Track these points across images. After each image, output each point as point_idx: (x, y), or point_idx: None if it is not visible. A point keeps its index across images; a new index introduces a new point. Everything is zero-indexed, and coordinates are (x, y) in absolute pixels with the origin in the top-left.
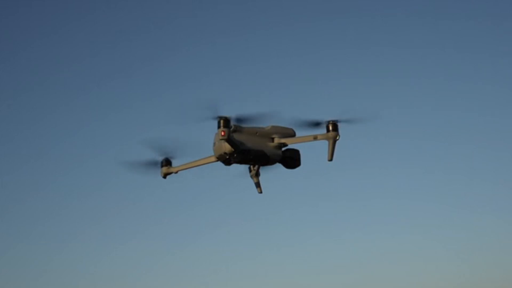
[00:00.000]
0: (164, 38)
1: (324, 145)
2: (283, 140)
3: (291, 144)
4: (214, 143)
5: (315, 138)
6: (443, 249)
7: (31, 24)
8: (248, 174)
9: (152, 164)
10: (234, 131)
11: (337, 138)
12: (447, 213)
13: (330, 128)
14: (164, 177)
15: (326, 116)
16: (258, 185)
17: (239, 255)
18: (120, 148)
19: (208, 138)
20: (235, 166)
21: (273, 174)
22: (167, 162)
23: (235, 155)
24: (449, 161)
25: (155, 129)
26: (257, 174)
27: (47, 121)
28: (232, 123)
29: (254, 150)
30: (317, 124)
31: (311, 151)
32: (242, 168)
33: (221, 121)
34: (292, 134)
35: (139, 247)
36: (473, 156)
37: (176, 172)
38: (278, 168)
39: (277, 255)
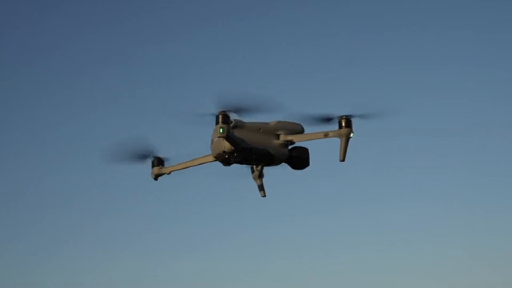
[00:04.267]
0: (157, 24)
1: (335, 143)
2: (289, 137)
3: (299, 142)
4: (212, 141)
5: (326, 135)
6: (473, 258)
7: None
8: (250, 176)
9: (142, 163)
10: (235, 127)
11: (351, 135)
12: (479, 219)
13: (343, 124)
14: (156, 178)
15: (338, 110)
16: (261, 187)
17: (239, 264)
18: (108, 145)
19: (205, 135)
20: (235, 167)
21: (278, 175)
22: (158, 162)
23: (236, 154)
24: (482, 160)
25: (148, 125)
26: (261, 176)
27: (29, 116)
28: (232, 118)
29: (257, 148)
30: (328, 120)
31: (321, 149)
32: (244, 169)
33: (220, 116)
34: (300, 131)
35: (130, 254)
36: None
37: (169, 173)
38: (284, 168)
39: (281, 264)
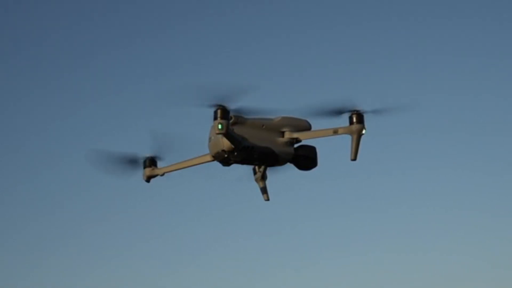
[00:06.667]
0: (150, 9)
1: (346, 140)
2: (295, 135)
3: (306, 140)
4: (210, 139)
5: (336, 132)
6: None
7: None
8: (252, 177)
9: (132, 164)
10: (235, 123)
11: (363, 132)
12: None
13: (354, 120)
14: (148, 180)
15: (349, 105)
16: (264, 190)
17: (240, 272)
18: (95, 143)
19: (202, 132)
20: (235, 167)
21: (283, 176)
22: (151, 162)
23: (236, 153)
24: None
25: (139, 120)
26: (263, 177)
27: (11, 111)
28: (232, 113)
29: (259, 147)
30: (338, 115)
31: (330, 148)
32: (245, 170)
33: (218, 111)
34: (306, 127)
35: (121, 266)
36: None
37: (162, 175)
38: (289, 169)
39: (286, 272)
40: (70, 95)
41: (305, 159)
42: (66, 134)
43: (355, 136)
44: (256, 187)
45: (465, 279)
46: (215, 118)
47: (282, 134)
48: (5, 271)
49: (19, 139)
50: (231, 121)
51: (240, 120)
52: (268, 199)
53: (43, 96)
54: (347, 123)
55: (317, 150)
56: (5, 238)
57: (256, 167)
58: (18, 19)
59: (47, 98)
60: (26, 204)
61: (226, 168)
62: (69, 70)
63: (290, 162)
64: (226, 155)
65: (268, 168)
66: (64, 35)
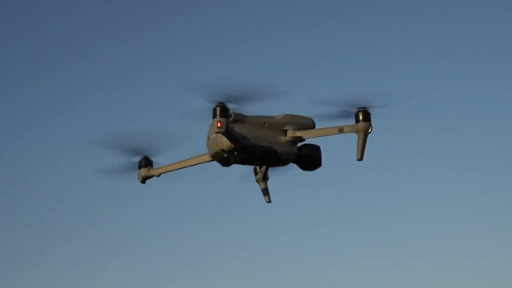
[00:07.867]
0: (156, 2)
1: (352, 139)
2: (299, 133)
3: (309, 139)
4: (209, 138)
5: (341, 130)
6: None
7: None
8: (253, 178)
9: (128, 164)
10: (235, 121)
11: (370, 130)
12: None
13: (360, 117)
14: (143, 181)
15: (355, 101)
16: (266, 192)
17: (240, 277)
18: (88, 143)
19: (200, 130)
20: (235, 167)
21: (285, 177)
22: (146, 162)
23: (236, 152)
24: None
25: (133, 118)
26: (265, 178)
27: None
28: (231, 111)
29: (260, 146)
30: (343, 113)
31: (335, 147)
32: (245, 170)
33: (218, 109)
34: (310, 126)
35: (120, 267)
36: None
37: (158, 175)
38: (292, 169)
39: (288, 278)
40: (69, 93)
41: (309, 159)
42: (65, 134)
43: (361, 135)
44: (257, 189)
45: (470, 280)
46: (214, 116)
47: (285, 132)
48: (5, 271)
49: (17, 139)
50: (230, 119)
51: (240, 118)
52: (270, 201)
53: (38, 95)
54: (353, 121)
55: (321, 150)
56: (5, 238)
57: (257, 168)
58: (18, 13)
59: (43, 96)
60: (22, 204)
61: (226, 168)
62: (68, 67)
63: (293, 162)
64: (225, 155)
65: (270, 168)
66: (59, 32)
